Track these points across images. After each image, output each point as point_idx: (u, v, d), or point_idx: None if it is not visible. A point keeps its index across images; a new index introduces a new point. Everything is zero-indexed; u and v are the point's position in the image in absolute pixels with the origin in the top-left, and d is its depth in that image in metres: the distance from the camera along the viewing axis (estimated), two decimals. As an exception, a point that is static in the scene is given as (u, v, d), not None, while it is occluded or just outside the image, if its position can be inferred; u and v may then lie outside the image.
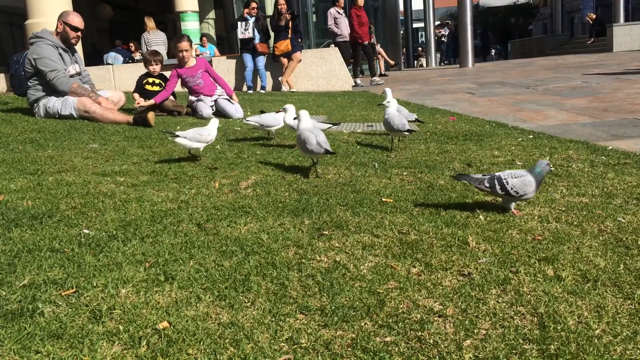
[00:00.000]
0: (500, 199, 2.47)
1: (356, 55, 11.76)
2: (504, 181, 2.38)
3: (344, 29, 11.55)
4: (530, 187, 2.37)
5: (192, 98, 6.29)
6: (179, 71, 6.15)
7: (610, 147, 3.73)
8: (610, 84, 7.71)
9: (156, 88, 6.35)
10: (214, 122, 3.64)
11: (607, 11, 23.05)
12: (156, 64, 6.39)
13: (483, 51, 29.81)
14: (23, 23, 8.68)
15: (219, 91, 6.43)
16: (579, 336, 1.45)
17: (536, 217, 2.38)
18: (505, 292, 1.71)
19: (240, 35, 9.98)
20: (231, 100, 6.31)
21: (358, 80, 11.63)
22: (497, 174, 2.43)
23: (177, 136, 3.47)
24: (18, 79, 5.82)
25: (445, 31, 24.46)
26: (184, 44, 6.16)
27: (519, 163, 3.38)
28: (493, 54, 31.74)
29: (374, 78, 11.96)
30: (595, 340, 1.43)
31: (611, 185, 2.85)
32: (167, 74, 6.68)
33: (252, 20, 9.88)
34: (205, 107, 6.08)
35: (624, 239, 2.12)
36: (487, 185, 2.41)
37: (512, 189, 2.37)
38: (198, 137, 3.49)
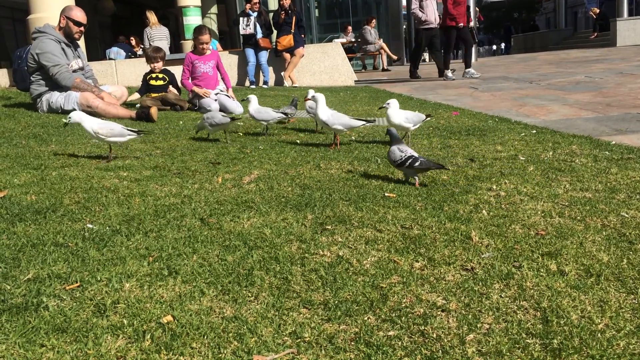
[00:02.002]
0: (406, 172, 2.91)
1: (449, 42, 9.76)
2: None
3: (430, 14, 9.86)
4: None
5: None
6: (192, 57, 6.26)
7: (613, 142, 3.72)
8: (614, 79, 7.68)
9: (160, 82, 6.37)
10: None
11: (610, 5, 22.93)
12: (157, 62, 6.42)
13: (506, 44, 30.29)
14: (26, 18, 8.67)
15: (220, 86, 6.47)
16: (582, 331, 1.45)
17: (539, 212, 2.38)
18: (508, 286, 1.72)
19: (242, 31, 9.99)
20: (230, 96, 6.38)
21: (449, 73, 9.81)
22: (412, 153, 2.82)
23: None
24: (21, 74, 5.84)
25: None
26: (206, 37, 6.30)
27: (521, 158, 3.38)
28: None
29: (470, 70, 9.74)
30: (599, 335, 1.43)
31: (614, 180, 2.84)
32: (170, 68, 6.69)
33: (254, 15, 9.86)
34: (211, 102, 6.13)
35: (627, 233, 2.11)
36: (433, 165, 2.83)
37: None
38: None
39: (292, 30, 9.94)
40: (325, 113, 3.76)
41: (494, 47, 32.05)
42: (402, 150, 2.86)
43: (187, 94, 6.55)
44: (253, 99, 4.26)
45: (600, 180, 2.84)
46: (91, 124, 3.43)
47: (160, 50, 6.63)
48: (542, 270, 1.81)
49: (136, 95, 6.40)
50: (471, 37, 9.99)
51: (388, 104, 3.74)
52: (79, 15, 5.62)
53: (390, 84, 10.01)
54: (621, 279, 1.74)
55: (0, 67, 10.57)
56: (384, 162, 3.38)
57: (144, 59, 7.12)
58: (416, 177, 2.88)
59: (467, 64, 9.79)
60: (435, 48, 10.24)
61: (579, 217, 2.31)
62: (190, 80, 6.38)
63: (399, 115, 3.73)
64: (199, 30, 6.44)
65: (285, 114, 4.35)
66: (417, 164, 2.79)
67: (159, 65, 6.41)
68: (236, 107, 6.17)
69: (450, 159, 3.41)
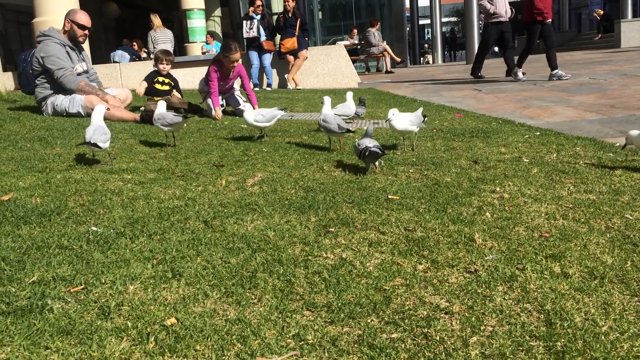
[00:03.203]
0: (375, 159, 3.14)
1: (532, 39, 8.55)
2: (379, 147, 3.05)
3: (500, 7, 9.07)
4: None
5: (207, 89, 6.19)
6: (217, 75, 5.84)
7: (617, 144, 3.71)
8: (618, 80, 7.66)
9: (166, 88, 6.34)
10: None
11: (615, 7, 22.89)
12: (167, 63, 6.33)
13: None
14: (30, 21, 8.71)
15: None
16: (586, 333, 1.45)
17: (543, 214, 2.38)
18: (511, 289, 1.71)
19: (245, 34, 10.00)
20: (241, 97, 6.29)
21: (520, 74, 8.81)
22: (367, 144, 3.04)
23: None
24: (26, 77, 5.86)
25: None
26: (238, 55, 5.74)
27: (525, 160, 3.37)
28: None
29: (557, 72, 8.42)
30: (602, 337, 1.43)
31: (619, 182, 2.84)
32: (174, 71, 6.69)
33: (257, 18, 9.88)
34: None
35: (632, 235, 2.11)
36: (380, 151, 3.03)
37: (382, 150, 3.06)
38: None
39: (296, 33, 9.96)
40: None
41: (496, 48, 31.48)
42: (360, 145, 3.10)
43: (191, 96, 6.52)
44: (248, 107, 4.37)
45: (605, 182, 2.83)
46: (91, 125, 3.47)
47: (170, 53, 6.59)
48: (545, 273, 1.81)
49: (144, 85, 6.21)
50: (553, 35, 8.68)
51: (393, 114, 3.65)
52: (84, 18, 5.64)
53: (394, 86, 10.02)
54: (625, 281, 1.74)
55: (6, 70, 10.63)
56: (387, 164, 3.38)
57: (148, 62, 7.06)
58: (375, 164, 3.18)
59: (553, 65, 8.46)
60: (507, 44, 9.34)
61: (582, 219, 2.31)
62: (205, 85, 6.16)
63: (403, 121, 3.64)
64: (228, 47, 5.69)
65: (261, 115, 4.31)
66: (367, 152, 3.03)
67: (167, 67, 6.35)
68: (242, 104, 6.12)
69: (453, 161, 3.40)
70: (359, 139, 3.18)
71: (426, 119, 3.85)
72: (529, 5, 8.38)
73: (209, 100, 6.08)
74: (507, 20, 9.19)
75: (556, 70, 8.43)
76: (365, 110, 5.17)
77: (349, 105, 4.81)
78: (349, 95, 4.87)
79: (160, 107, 4.15)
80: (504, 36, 9.34)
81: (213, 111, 5.89)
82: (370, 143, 3.08)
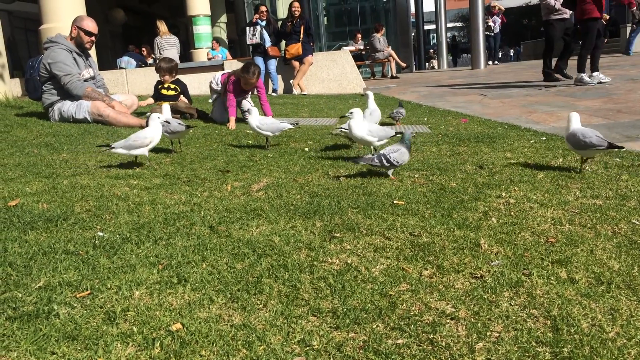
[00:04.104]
0: (385, 169, 3.12)
1: (589, 38, 8.01)
2: (388, 156, 3.01)
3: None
4: (405, 156, 3.08)
5: (219, 90, 6.14)
6: (232, 94, 5.76)
7: (624, 149, 3.69)
8: (624, 85, 7.64)
9: (171, 92, 6.36)
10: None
11: (621, 12, 22.81)
12: (166, 74, 6.30)
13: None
14: (38, 28, 8.78)
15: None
16: (593, 339, 1.44)
17: (549, 219, 2.37)
18: (518, 294, 1.71)
19: (248, 41, 10.03)
20: (250, 102, 6.28)
21: (585, 77, 7.97)
22: (381, 152, 3.05)
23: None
24: (33, 84, 5.90)
25: (494, 21, 18.62)
26: (253, 81, 5.59)
27: (531, 165, 3.36)
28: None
29: (597, 74, 7.98)
30: (609, 344, 1.42)
31: (625, 187, 2.82)
32: (180, 78, 6.71)
33: (262, 24, 9.92)
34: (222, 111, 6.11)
35: (638, 241, 2.10)
36: (377, 161, 3.02)
37: (394, 160, 3.03)
38: None
39: (301, 38, 9.98)
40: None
41: (500, 54, 31.46)
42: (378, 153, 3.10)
43: (198, 102, 6.53)
44: (254, 111, 4.20)
45: (611, 187, 2.82)
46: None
47: (171, 61, 6.61)
48: (552, 278, 1.80)
49: (150, 100, 6.35)
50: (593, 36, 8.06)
51: (351, 113, 3.43)
52: (90, 25, 5.68)
53: (399, 90, 10.02)
54: (632, 287, 1.73)
55: (13, 77, 10.71)
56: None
57: (154, 68, 7.10)
58: (388, 172, 3.16)
59: (593, 67, 7.97)
60: (572, 41, 8.74)
61: (589, 225, 2.30)
62: (223, 92, 6.06)
63: (361, 128, 3.41)
64: (247, 69, 5.55)
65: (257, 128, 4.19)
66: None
67: (167, 78, 6.34)
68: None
69: (459, 166, 3.40)
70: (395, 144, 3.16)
71: (398, 135, 3.66)
72: (583, 1, 7.76)
73: (215, 105, 6.12)
74: (569, 17, 8.75)
75: (597, 74, 7.93)
76: (404, 113, 5.33)
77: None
78: (370, 96, 4.61)
79: (166, 111, 4.15)
80: (567, 33, 8.82)
81: (229, 123, 5.68)
82: (386, 151, 3.05)
